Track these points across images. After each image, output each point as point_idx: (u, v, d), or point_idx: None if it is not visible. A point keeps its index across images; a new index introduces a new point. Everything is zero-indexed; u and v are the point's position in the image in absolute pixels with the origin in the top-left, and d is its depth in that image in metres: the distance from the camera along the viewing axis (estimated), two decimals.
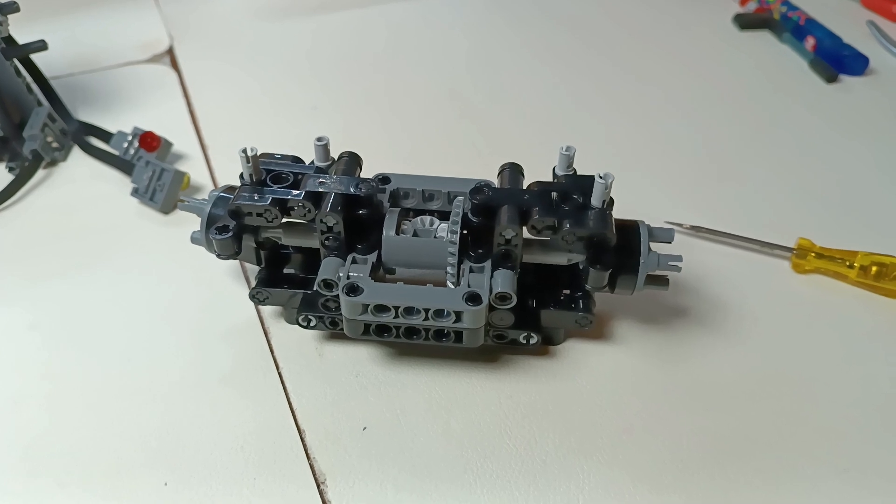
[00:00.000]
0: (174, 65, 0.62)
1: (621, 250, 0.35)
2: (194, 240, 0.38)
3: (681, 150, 0.53)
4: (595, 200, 0.34)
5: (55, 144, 0.51)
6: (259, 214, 0.35)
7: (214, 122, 0.55)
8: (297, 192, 0.35)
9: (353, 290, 0.34)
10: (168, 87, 0.59)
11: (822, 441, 0.35)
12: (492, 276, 0.34)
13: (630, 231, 0.35)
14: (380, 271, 0.36)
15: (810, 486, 0.34)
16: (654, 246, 0.36)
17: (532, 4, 0.70)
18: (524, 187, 0.36)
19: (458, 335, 0.35)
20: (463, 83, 0.59)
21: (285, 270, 0.39)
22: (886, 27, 0.65)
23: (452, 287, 0.35)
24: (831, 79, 0.59)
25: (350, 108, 0.57)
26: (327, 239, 0.35)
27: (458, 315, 0.34)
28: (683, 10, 0.69)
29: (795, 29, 0.63)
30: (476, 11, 0.69)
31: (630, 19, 0.68)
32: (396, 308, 0.34)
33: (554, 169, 0.37)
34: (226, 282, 0.43)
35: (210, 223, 0.37)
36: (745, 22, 0.66)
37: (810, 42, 0.62)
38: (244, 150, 0.35)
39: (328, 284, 0.35)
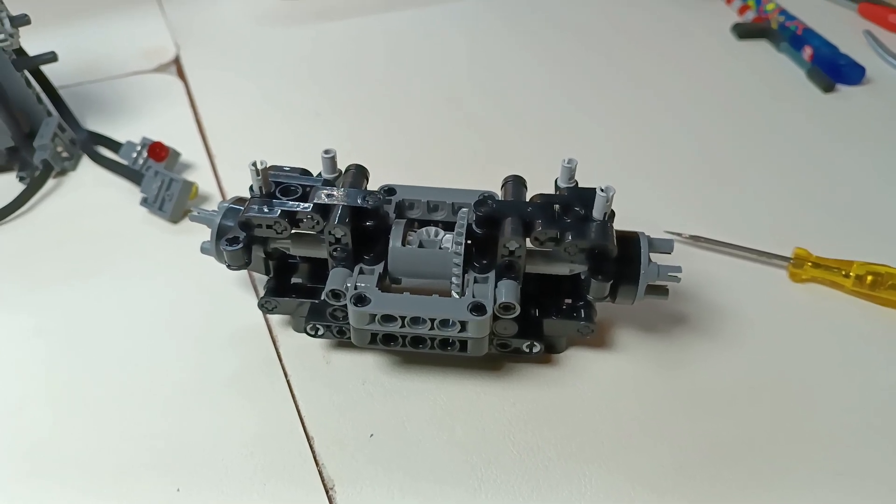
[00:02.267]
0: (180, 74, 0.62)
1: (622, 261, 0.35)
2: (204, 250, 0.39)
3: (679, 158, 0.54)
4: (596, 213, 0.35)
5: (65, 154, 0.52)
6: (269, 226, 0.36)
7: (221, 131, 0.56)
8: (306, 204, 0.36)
9: (360, 300, 0.35)
10: (174, 97, 0.60)
11: (818, 446, 0.36)
12: (496, 286, 0.35)
13: (631, 242, 0.36)
14: (386, 281, 0.37)
15: (806, 490, 0.34)
16: (654, 256, 0.37)
17: (532, 13, 0.70)
18: (527, 199, 0.37)
19: (463, 344, 0.36)
20: (464, 91, 0.60)
21: (293, 280, 0.40)
22: (883, 37, 0.66)
23: (457, 297, 0.35)
24: (828, 88, 0.60)
25: (352, 115, 0.58)
26: (335, 250, 0.36)
27: (463, 325, 0.35)
28: (683, 19, 0.70)
29: (793, 38, 0.64)
30: (476, 20, 0.70)
31: (630, 28, 0.68)
32: (403, 318, 0.34)
33: (556, 181, 0.38)
34: (233, 290, 0.43)
35: (220, 234, 0.38)
36: (743, 31, 0.67)
37: (808, 51, 0.63)
38: (254, 164, 0.36)
39: (336, 294, 0.35)
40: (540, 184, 0.38)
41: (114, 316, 0.42)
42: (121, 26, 0.68)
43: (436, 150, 0.54)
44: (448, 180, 0.39)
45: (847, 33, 0.66)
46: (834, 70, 0.61)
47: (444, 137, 0.56)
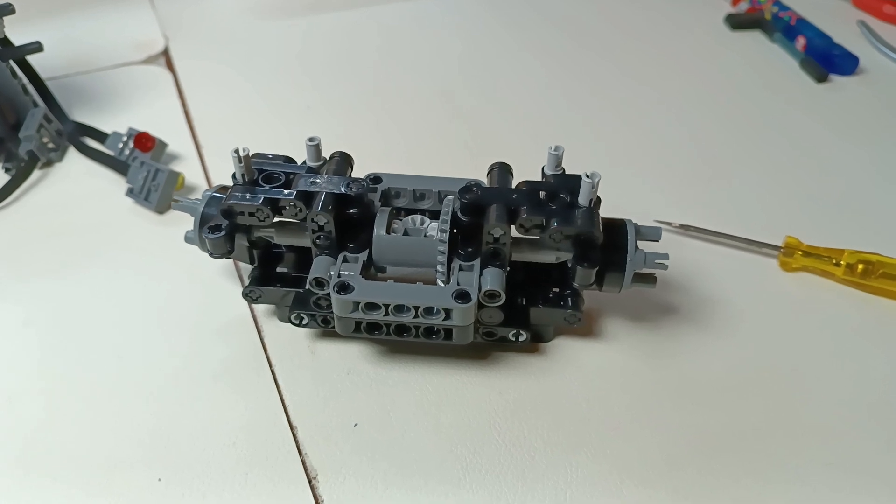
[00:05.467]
0: (169, 66, 0.62)
1: (608, 248, 0.35)
2: (188, 239, 0.39)
3: (671, 149, 0.53)
4: (582, 199, 0.34)
5: (51, 145, 0.51)
6: (251, 214, 0.35)
7: (209, 123, 0.56)
8: (289, 191, 0.35)
9: (343, 288, 0.34)
10: (163, 88, 0.59)
11: (808, 436, 0.36)
12: (481, 274, 0.35)
13: (617, 229, 0.36)
14: (371, 270, 0.36)
15: (796, 481, 0.34)
16: (643, 244, 0.36)
17: (524, 5, 0.70)
18: (513, 186, 0.37)
19: (448, 332, 0.36)
20: (455, 83, 0.60)
21: (278, 269, 0.40)
22: (877, 27, 0.65)
23: (442, 285, 0.35)
24: (821, 78, 0.60)
25: (343, 108, 0.57)
26: (318, 238, 0.36)
27: (448, 312, 0.34)
28: (675, 9, 0.69)
29: (786, 29, 0.64)
30: (468, 12, 0.69)
31: (621, 19, 0.68)
32: (387, 306, 0.34)
33: (543, 168, 0.37)
34: (219, 280, 0.43)
35: (203, 222, 0.37)
36: (736, 22, 0.66)
37: (801, 42, 0.62)
38: (236, 151, 0.35)
39: (319, 283, 0.35)
40: (531, 175, 0.37)
41: (100, 307, 0.42)
42: (110, 18, 0.68)
43: (426, 142, 0.54)
44: (439, 172, 0.39)
45: (841, 24, 0.65)
46: (827, 60, 0.60)
47: (434, 130, 0.55)
